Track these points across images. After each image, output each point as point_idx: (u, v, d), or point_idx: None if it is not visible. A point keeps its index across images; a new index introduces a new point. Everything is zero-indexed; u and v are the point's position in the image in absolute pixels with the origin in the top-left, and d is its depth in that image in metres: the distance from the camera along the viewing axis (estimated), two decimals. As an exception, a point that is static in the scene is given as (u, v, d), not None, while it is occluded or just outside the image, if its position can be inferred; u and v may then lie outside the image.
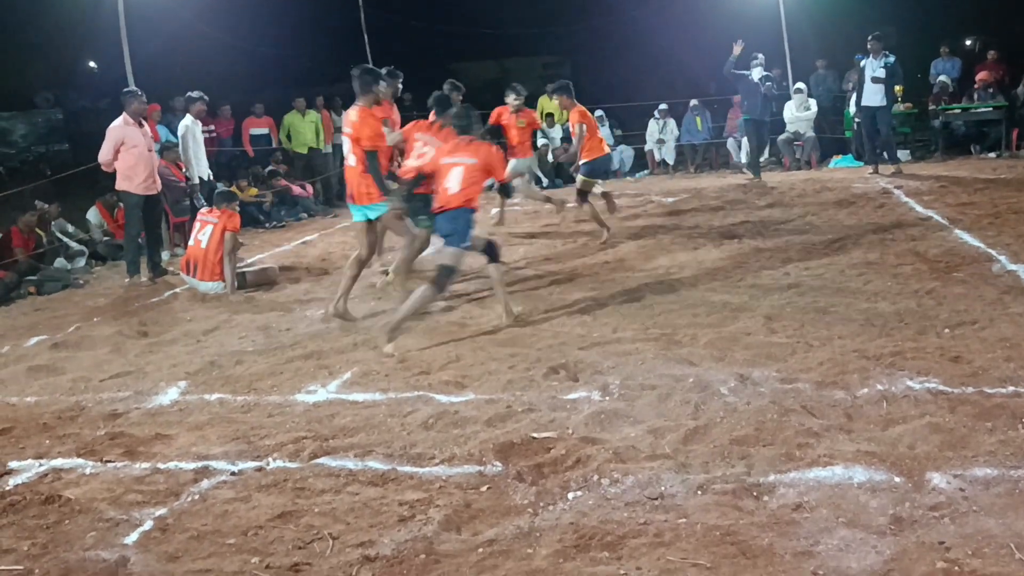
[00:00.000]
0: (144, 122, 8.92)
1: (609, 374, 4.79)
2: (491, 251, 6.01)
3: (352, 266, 6.55)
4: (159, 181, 9.00)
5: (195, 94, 9.99)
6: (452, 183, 5.71)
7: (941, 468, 3.39)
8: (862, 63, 12.29)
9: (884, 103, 12.07)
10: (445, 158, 5.85)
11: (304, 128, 14.12)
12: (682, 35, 18.57)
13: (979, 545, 2.85)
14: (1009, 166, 12.04)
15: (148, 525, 3.51)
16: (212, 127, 13.84)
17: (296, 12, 18.90)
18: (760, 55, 12.80)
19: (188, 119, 9.92)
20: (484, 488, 3.59)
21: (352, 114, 6.40)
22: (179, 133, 10.03)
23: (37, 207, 9.83)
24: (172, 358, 5.91)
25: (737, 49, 12.17)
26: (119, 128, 8.62)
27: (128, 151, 8.59)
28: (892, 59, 11.96)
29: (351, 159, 6.44)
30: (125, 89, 9.10)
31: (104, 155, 8.65)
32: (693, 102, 15.48)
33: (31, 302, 8.36)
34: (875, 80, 11.94)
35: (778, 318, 5.58)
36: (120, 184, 8.74)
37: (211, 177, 10.26)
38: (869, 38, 12.07)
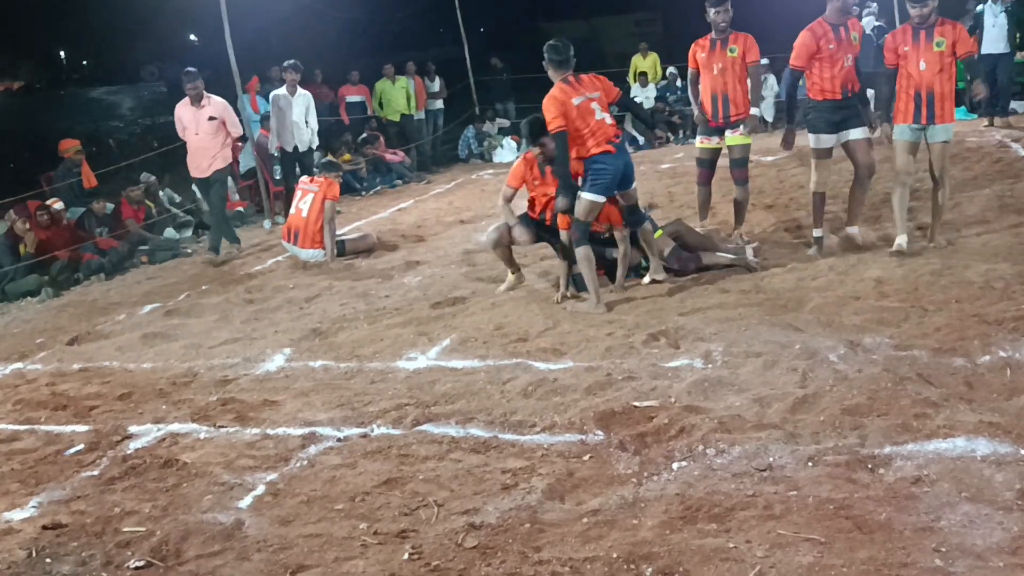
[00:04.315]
0: (202, 103, 8.53)
1: (711, 341, 4.68)
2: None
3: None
4: (214, 163, 8.61)
5: (286, 64, 9.95)
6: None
7: (1073, 441, 3.20)
8: (978, 8, 11.62)
9: (1008, 50, 11.43)
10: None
11: (395, 95, 14.16)
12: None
13: (1118, 524, 2.68)
14: None
15: (260, 489, 3.62)
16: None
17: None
18: (874, 3, 12.24)
19: (280, 90, 9.97)
20: (586, 457, 3.57)
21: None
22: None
23: (142, 180, 10.20)
24: (276, 325, 6.07)
25: None
26: (177, 108, 8.72)
27: (184, 132, 8.68)
28: (1012, 2, 11.28)
29: None
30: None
31: (179, 133, 8.82)
32: (793, 55, 14.91)
33: (144, 271, 8.71)
34: (996, 27, 11.31)
35: (889, 281, 5.34)
36: None
37: (312, 148, 10.10)
38: None
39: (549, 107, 5.47)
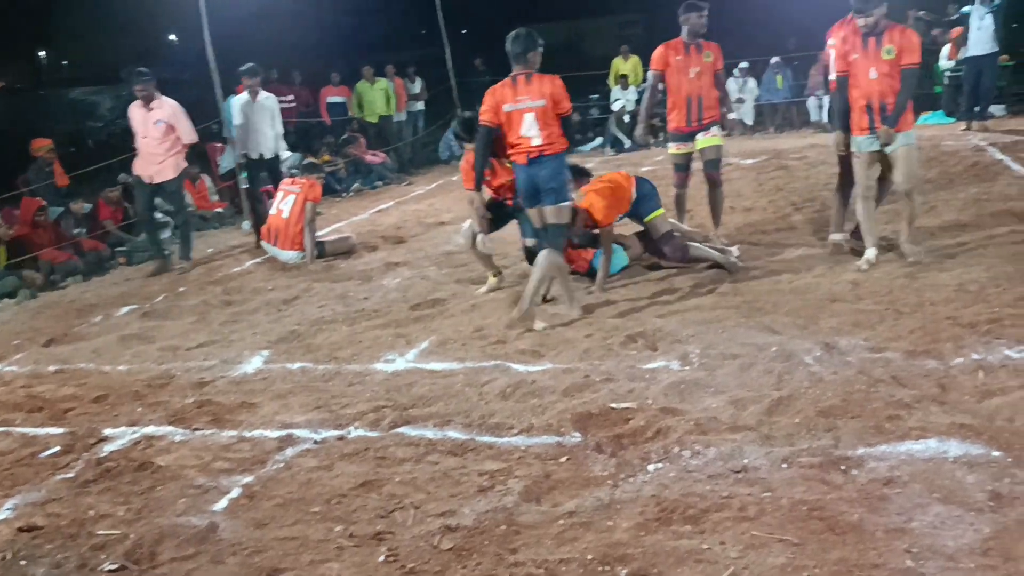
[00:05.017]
0: (152, 105, 8.12)
1: (689, 343, 4.70)
2: None
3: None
4: (163, 171, 8.23)
5: (242, 69, 9.15)
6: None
7: (1043, 442, 3.23)
8: (964, 9, 11.70)
9: (995, 49, 11.49)
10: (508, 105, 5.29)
11: (374, 96, 14.13)
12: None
13: (1085, 524, 2.72)
14: (1115, 119, 11.37)
15: (236, 492, 3.60)
16: (291, 96, 14.00)
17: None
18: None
19: (242, 96, 9.20)
20: (563, 459, 3.58)
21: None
22: None
23: (119, 180, 10.12)
24: (255, 327, 6.04)
25: None
26: (129, 109, 8.30)
27: (134, 133, 8.30)
28: (999, 0, 11.34)
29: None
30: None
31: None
32: (774, 59, 15.01)
33: (121, 272, 8.67)
34: (982, 29, 11.40)
35: (865, 283, 5.39)
36: None
37: (279, 154, 9.44)
38: None
39: (485, 98, 5.41)
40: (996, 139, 10.56)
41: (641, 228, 6.24)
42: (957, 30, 12.56)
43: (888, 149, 5.60)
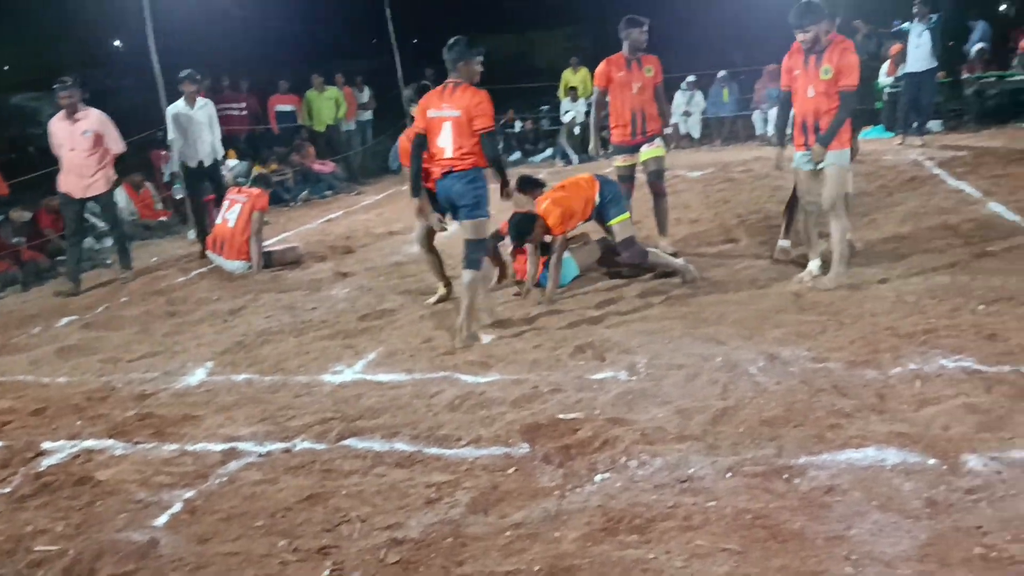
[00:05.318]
0: (77, 115, 7.87)
1: (636, 353, 4.74)
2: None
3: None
4: (94, 184, 7.93)
5: (182, 75, 8.90)
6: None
7: (977, 450, 3.32)
8: (903, 25, 12.00)
9: (934, 65, 11.79)
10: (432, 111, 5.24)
11: (323, 105, 14.03)
12: (707, 4, 18.30)
13: (1018, 530, 2.79)
14: (1046, 136, 11.74)
15: (177, 507, 3.53)
16: (243, 104, 13.84)
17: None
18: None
19: (178, 104, 8.95)
20: (511, 470, 3.58)
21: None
22: None
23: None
24: (199, 338, 5.94)
25: None
26: (50, 123, 7.98)
27: (59, 149, 7.93)
28: (936, 17, 11.65)
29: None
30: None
31: (53, 151, 8.01)
32: (720, 73, 15.24)
33: (61, 282, 8.43)
34: (920, 46, 11.70)
35: (808, 295, 5.50)
36: None
37: (218, 160, 9.18)
38: (916, 1, 11.74)
39: (419, 104, 5.38)
40: (933, 154, 10.84)
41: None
42: (896, 47, 12.87)
43: (820, 166, 5.66)
